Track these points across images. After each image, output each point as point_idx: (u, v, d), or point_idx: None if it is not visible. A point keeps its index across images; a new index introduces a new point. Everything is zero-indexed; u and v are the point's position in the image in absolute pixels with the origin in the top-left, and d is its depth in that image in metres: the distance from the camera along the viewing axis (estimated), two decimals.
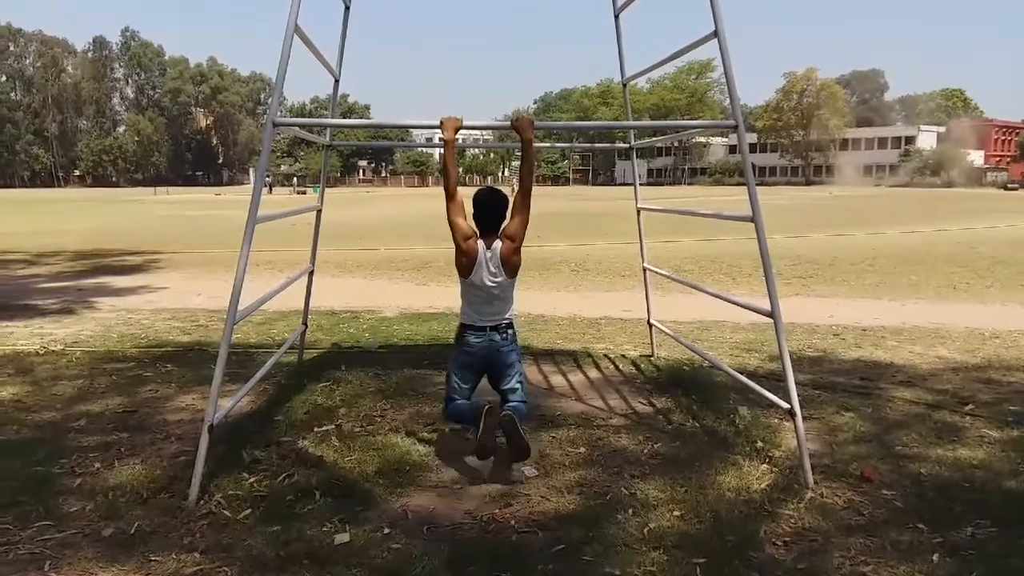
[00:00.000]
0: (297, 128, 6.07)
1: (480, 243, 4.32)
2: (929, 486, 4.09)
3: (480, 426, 4.13)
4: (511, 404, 4.34)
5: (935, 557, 3.33)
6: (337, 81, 6.28)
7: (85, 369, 6.59)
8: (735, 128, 4.49)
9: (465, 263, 4.33)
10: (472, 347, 4.39)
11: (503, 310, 4.40)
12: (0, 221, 30.83)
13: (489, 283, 4.31)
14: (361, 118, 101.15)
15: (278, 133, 4.54)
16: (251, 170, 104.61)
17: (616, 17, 6.48)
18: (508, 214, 4.41)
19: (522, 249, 4.39)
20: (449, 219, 4.34)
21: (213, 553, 3.37)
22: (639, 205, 6.98)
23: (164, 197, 64.04)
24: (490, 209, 4.37)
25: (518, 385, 4.45)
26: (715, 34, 4.44)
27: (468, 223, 4.37)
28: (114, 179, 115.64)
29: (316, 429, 4.94)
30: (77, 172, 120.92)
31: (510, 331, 4.44)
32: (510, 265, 4.34)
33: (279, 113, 4.38)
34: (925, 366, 6.78)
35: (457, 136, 4.42)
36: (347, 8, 6.17)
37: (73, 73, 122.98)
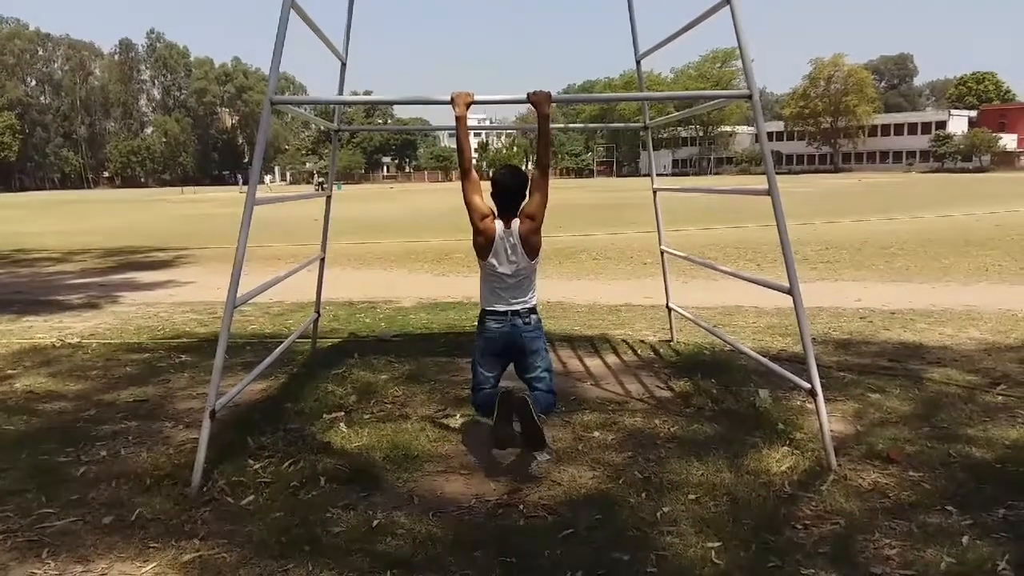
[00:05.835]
0: (301, 109, 5.99)
1: (498, 223, 4.13)
2: (959, 467, 3.91)
3: (495, 412, 3.92)
4: (534, 393, 4.11)
5: (965, 539, 3.16)
6: (344, 65, 6.18)
7: (99, 360, 6.57)
8: (749, 98, 4.31)
9: (482, 243, 4.15)
10: (493, 333, 4.17)
11: (525, 294, 4.19)
12: (31, 222, 31.24)
13: (509, 266, 4.14)
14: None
15: (286, 118, 4.46)
16: (275, 168, 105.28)
17: None
18: (527, 193, 4.25)
19: (541, 232, 4.19)
20: (465, 198, 4.17)
21: (213, 539, 3.29)
22: (655, 186, 6.83)
23: (191, 196, 64.58)
24: (510, 189, 4.17)
25: (544, 374, 4.20)
26: (727, 1, 4.27)
27: (486, 202, 4.21)
28: (142, 179, 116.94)
29: (325, 416, 4.86)
30: (106, 173, 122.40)
31: (533, 316, 4.21)
32: (530, 245, 4.13)
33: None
34: (956, 347, 6.55)
35: (470, 115, 4.28)
36: None
37: (100, 76, 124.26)
